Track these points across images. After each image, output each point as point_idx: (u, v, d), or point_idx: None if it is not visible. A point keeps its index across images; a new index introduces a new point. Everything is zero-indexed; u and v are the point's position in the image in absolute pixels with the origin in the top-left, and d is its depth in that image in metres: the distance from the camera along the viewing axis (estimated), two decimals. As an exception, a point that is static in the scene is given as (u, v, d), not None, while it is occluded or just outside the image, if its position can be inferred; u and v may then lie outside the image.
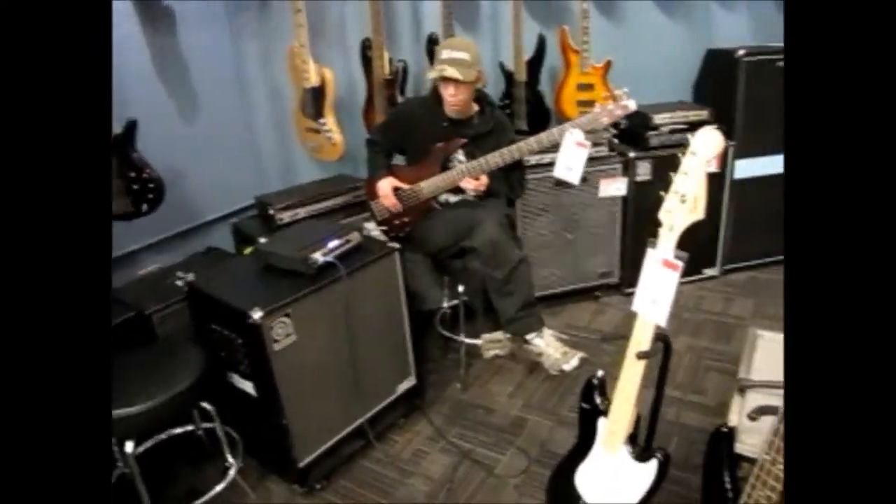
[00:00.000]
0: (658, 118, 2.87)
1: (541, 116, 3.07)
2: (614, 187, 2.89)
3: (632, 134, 2.91)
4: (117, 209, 2.27)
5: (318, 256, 2.01)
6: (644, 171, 2.89)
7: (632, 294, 3.17)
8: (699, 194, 1.36)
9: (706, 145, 1.35)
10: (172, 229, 2.71)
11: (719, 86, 3.06)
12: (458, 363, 2.67)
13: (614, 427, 1.52)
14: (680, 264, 1.39)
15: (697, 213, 1.37)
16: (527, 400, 2.51)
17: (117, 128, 2.21)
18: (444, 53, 2.22)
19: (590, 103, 3.02)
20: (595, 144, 2.83)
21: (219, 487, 2.00)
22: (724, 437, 1.39)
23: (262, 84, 2.97)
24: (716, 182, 2.88)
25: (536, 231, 2.92)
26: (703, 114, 2.92)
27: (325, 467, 2.16)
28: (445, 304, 2.87)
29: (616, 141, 2.89)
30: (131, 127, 2.22)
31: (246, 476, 2.18)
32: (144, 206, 2.32)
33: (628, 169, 2.88)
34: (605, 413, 1.56)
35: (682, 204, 1.38)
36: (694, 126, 2.88)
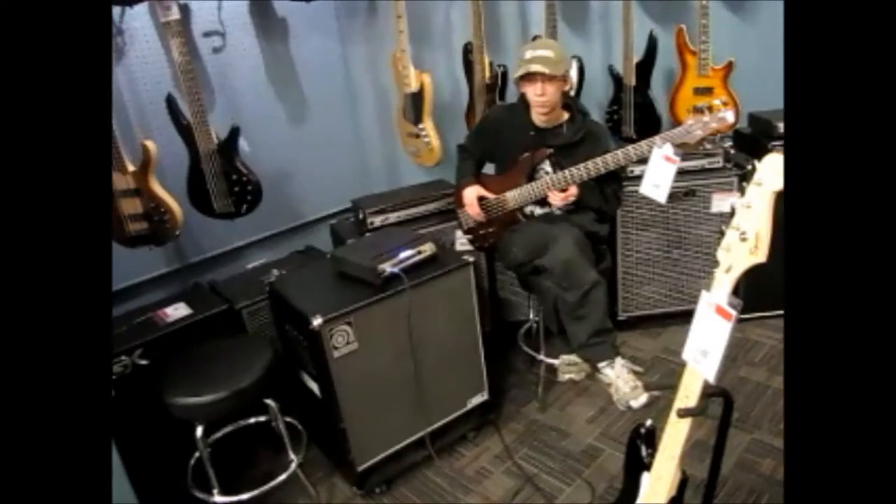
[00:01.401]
0: (783, 126, 2.52)
1: (651, 123, 2.83)
2: (729, 203, 2.58)
3: (752, 143, 2.59)
4: (220, 209, 2.45)
5: (387, 267, 2.02)
6: (765, 186, 2.56)
7: (746, 321, 2.85)
8: (762, 233, 1.17)
9: (773, 174, 1.16)
10: (278, 227, 2.88)
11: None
12: (540, 380, 2.57)
13: (656, 487, 1.37)
14: (734, 313, 1.21)
15: (758, 255, 1.17)
16: (605, 429, 2.35)
17: (223, 133, 2.39)
18: (528, 53, 2.13)
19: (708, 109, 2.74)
20: (708, 155, 2.57)
21: (275, 481, 2.10)
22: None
23: (370, 88, 3.04)
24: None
25: (637, 247, 2.71)
26: (843, 121, 2.51)
27: (387, 473, 2.19)
28: (532, 317, 2.77)
29: (732, 151, 2.59)
30: (234, 133, 2.38)
31: (315, 470, 2.28)
32: (244, 207, 2.49)
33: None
34: (648, 468, 1.41)
35: (742, 243, 1.20)
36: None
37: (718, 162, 2.56)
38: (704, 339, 1.27)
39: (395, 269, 2.02)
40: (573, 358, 2.29)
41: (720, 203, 2.60)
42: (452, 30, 2.97)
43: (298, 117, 2.87)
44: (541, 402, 2.51)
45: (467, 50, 2.83)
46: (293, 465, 2.11)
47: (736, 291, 1.24)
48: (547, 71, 2.04)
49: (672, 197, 2.44)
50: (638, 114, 2.81)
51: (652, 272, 2.77)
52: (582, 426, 2.39)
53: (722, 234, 1.27)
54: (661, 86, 2.91)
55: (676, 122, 2.84)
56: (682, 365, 2.70)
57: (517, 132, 2.30)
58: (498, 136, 2.37)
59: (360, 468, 2.09)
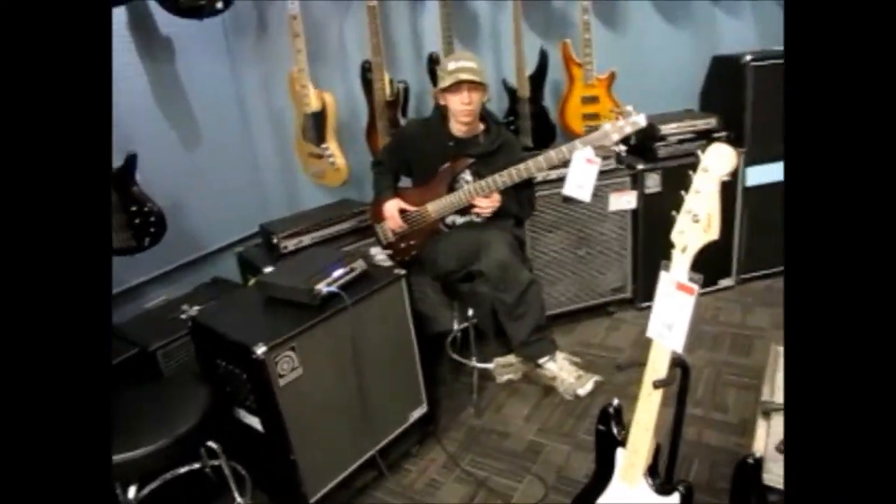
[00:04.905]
0: (665, 128, 2.81)
1: (546, 132, 3.02)
2: (624, 200, 2.83)
3: (639, 146, 2.85)
4: (119, 244, 2.24)
5: (323, 287, 1.96)
6: (653, 182, 2.82)
7: (646, 308, 3.10)
8: (713, 213, 1.30)
9: (718, 161, 1.30)
10: (178, 260, 2.68)
11: (726, 92, 2.99)
12: (471, 387, 2.60)
13: (633, 459, 1.45)
14: (695, 287, 1.33)
15: (711, 233, 1.31)
16: (542, 424, 2.43)
17: (117, 161, 2.19)
18: (451, 65, 2.20)
19: (595, 116, 2.98)
20: (603, 158, 2.78)
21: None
22: (750, 469, 1.32)
23: (264, 110, 2.95)
24: (727, 191, 2.80)
25: (546, 249, 2.86)
26: (712, 122, 2.85)
27: (337, 501, 2.10)
28: (456, 327, 2.82)
29: (624, 153, 2.82)
30: (131, 161, 2.21)
31: (256, 513, 2.13)
32: (147, 240, 2.30)
33: (637, 181, 2.82)
34: (622, 443, 1.49)
35: (695, 224, 1.32)
36: (702, 135, 2.83)
37: (612, 164, 2.79)
38: (668, 314, 1.38)
39: (333, 288, 1.97)
40: (508, 359, 2.36)
41: (617, 201, 2.82)
42: (346, 48, 2.97)
43: (190, 142, 2.71)
44: (476, 408, 2.55)
45: (365, 68, 2.84)
46: (242, 509, 1.97)
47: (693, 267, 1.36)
48: (476, 79, 2.12)
49: (571, 199, 2.62)
50: (533, 123, 2.98)
51: (561, 271, 2.93)
52: (520, 425, 2.45)
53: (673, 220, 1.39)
54: (551, 97, 3.11)
55: (567, 130, 3.05)
56: (601, 356, 2.88)
57: (435, 144, 2.35)
58: (415, 149, 2.41)
59: (313, 500, 1.99)
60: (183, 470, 2.09)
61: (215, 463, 2.03)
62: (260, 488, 2.16)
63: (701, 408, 2.38)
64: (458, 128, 2.30)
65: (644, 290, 2.98)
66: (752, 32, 3.27)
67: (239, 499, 1.98)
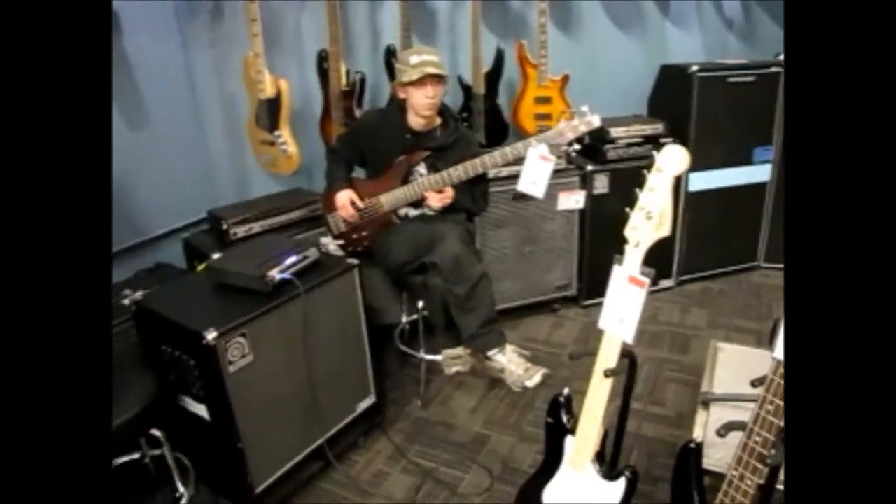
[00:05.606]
0: (615, 132, 2.90)
1: (499, 129, 3.07)
2: (573, 200, 2.91)
3: (589, 147, 2.93)
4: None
5: (276, 273, 1.94)
6: (602, 184, 2.91)
7: (589, 306, 3.18)
8: (665, 211, 1.36)
9: (672, 162, 1.36)
10: (119, 244, 2.59)
11: (673, 100, 3.12)
12: (417, 379, 2.62)
13: (582, 446, 1.51)
14: (646, 281, 1.39)
15: (663, 229, 1.37)
16: (488, 416, 2.48)
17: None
18: (414, 58, 2.20)
19: (547, 116, 3.05)
20: (556, 157, 2.85)
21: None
22: (692, 453, 1.39)
23: (216, 94, 2.88)
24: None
25: (494, 244, 2.91)
26: (659, 127, 2.97)
27: (283, 491, 2.07)
28: (404, 320, 2.83)
29: (574, 154, 2.90)
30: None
31: (198, 504, 2.08)
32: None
33: (586, 182, 2.90)
34: (571, 431, 1.54)
35: (648, 220, 1.38)
36: (650, 139, 2.94)
37: (562, 163, 2.86)
38: (620, 307, 1.43)
39: (287, 275, 1.95)
40: (457, 351, 2.39)
41: (565, 201, 2.89)
42: (303, 36, 2.93)
43: (136, 121, 2.63)
44: (423, 400, 2.57)
45: (322, 57, 2.81)
46: (184, 501, 1.92)
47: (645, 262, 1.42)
48: (441, 72, 2.14)
49: (521, 196, 2.67)
50: (487, 121, 3.02)
51: (508, 268, 2.98)
52: (466, 417, 2.49)
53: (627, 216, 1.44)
54: (505, 95, 3.16)
55: (519, 129, 3.11)
56: (546, 350, 2.92)
57: (392, 136, 2.35)
58: (372, 139, 2.40)
59: (259, 489, 1.97)
60: (121, 460, 2.02)
61: (156, 453, 1.97)
62: (203, 480, 2.11)
63: (640, 402, 2.47)
64: (416, 121, 2.31)
65: (588, 288, 3.07)
66: (699, 45, 3.42)
67: (182, 489, 1.93)
